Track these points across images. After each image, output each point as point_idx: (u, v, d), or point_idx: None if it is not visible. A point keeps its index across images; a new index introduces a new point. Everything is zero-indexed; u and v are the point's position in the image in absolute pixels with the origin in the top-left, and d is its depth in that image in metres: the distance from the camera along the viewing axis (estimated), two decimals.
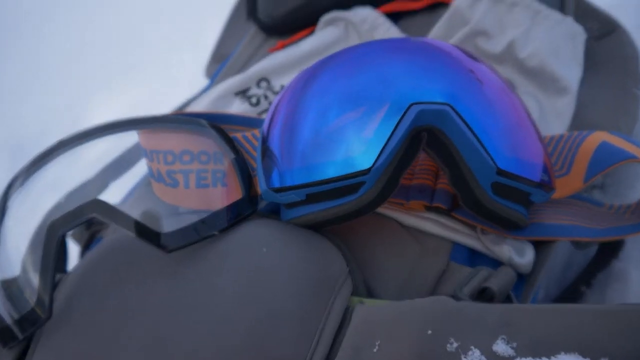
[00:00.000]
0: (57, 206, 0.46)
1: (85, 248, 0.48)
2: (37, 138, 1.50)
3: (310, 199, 0.35)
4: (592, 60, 0.55)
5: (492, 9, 0.53)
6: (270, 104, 0.52)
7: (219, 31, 0.97)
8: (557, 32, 0.51)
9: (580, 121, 0.50)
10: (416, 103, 0.33)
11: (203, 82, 0.86)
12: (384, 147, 0.32)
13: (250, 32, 0.66)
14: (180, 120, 0.42)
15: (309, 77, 0.38)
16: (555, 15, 0.52)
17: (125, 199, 0.51)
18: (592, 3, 0.71)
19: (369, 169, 0.33)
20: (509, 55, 0.51)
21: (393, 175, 0.33)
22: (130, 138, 0.45)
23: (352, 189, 0.34)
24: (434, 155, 0.34)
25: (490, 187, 0.34)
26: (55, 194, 0.46)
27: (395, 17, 0.59)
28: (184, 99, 0.81)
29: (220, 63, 0.76)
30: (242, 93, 0.55)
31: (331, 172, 0.33)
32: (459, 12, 0.53)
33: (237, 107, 0.52)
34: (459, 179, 0.34)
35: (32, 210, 0.44)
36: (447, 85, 0.35)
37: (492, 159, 0.33)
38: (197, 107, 0.54)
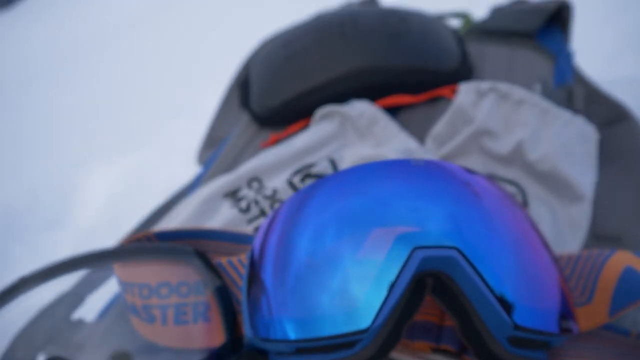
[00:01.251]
0: (22, 334, 0.41)
1: None
2: (27, 210, 1.46)
3: (302, 351, 0.31)
4: (603, 151, 0.52)
5: (497, 107, 0.50)
6: (260, 210, 0.48)
7: (214, 99, 0.94)
8: (568, 133, 0.48)
9: (598, 231, 0.46)
10: (420, 247, 0.29)
11: (195, 153, 0.83)
12: (383, 303, 0.28)
13: (243, 122, 0.63)
14: (162, 250, 0.37)
15: (299, 207, 0.34)
16: (565, 114, 0.49)
17: (98, 321, 0.46)
18: (601, 88, 0.68)
19: (366, 329, 0.28)
20: (517, 156, 0.48)
21: (394, 330, 0.29)
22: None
23: (348, 345, 0.29)
24: (441, 303, 0.30)
25: (507, 340, 0.30)
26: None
27: (394, 109, 0.56)
28: (174, 190, 0.78)
29: (212, 150, 0.73)
30: (232, 195, 0.51)
31: (325, 327, 0.29)
32: (462, 109, 0.50)
33: (226, 213, 0.49)
34: (472, 332, 0.30)
35: None
36: (452, 225, 0.31)
37: (508, 314, 0.29)
38: (183, 212, 0.50)
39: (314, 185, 0.35)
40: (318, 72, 0.57)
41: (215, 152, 0.61)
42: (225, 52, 1.92)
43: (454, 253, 0.29)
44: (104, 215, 1.51)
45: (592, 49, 1.11)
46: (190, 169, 0.87)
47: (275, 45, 0.63)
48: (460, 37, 0.63)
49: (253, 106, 0.61)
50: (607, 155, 0.53)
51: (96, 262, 0.37)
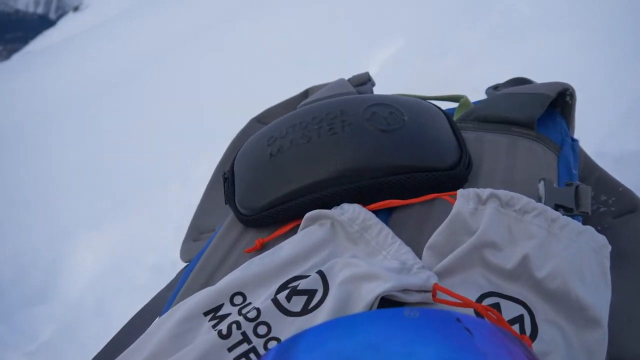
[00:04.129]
0: None
1: None
2: (12, 284, 1.41)
3: None
4: (614, 246, 0.47)
5: (498, 217, 0.46)
6: (242, 335, 0.44)
7: (206, 166, 0.91)
8: (578, 247, 0.44)
9: (614, 353, 0.41)
10: None
11: (187, 222, 0.78)
12: None
13: (227, 221, 0.59)
14: None
15: None
16: (574, 224, 0.45)
17: None
18: (612, 176, 0.65)
19: None
20: (523, 272, 0.44)
21: None
22: None
23: None
24: None
25: None
26: None
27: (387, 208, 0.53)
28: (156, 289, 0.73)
29: (196, 243, 0.69)
30: (213, 312, 0.47)
31: None
32: (461, 218, 0.46)
33: (205, 338, 0.44)
34: None
35: None
36: None
37: None
38: (158, 335, 0.46)
39: (297, 338, 0.31)
40: (305, 172, 0.53)
41: (197, 256, 0.57)
42: (219, 119, 1.91)
43: None
44: (91, 290, 1.46)
45: (592, 122, 1.10)
46: (179, 243, 0.82)
47: (260, 140, 0.59)
48: (457, 129, 0.59)
49: (238, 206, 0.57)
50: (618, 253, 0.49)
51: None
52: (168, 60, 3.62)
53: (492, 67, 1.57)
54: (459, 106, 0.72)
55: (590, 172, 0.69)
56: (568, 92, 0.65)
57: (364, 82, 0.81)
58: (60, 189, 1.78)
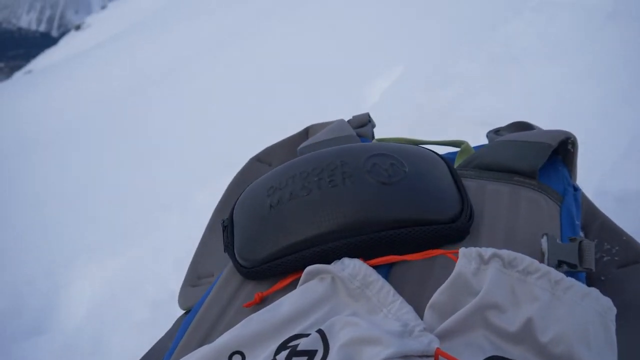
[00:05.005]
0: None
1: None
2: (9, 315, 1.39)
3: None
4: (618, 298, 0.47)
5: (501, 277, 0.45)
6: None
7: (206, 195, 0.90)
8: (582, 311, 0.43)
9: None
10: None
11: (186, 254, 0.77)
12: None
13: (226, 272, 0.58)
14: None
15: None
16: (578, 287, 0.44)
17: None
18: (615, 224, 0.64)
19: None
20: (527, 335, 0.43)
21: None
22: None
23: None
24: None
25: None
26: None
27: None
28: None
29: (194, 288, 0.68)
30: None
31: None
32: (463, 278, 0.46)
33: None
34: None
35: None
36: None
37: None
38: None
39: None
40: (305, 225, 0.53)
41: (196, 306, 0.56)
42: (219, 146, 1.91)
43: None
44: (89, 323, 1.44)
45: (593, 158, 1.09)
46: (179, 275, 0.81)
47: (260, 190, 0.59)
48: (459, 178, 0.59)
49: (237, 256, 0.57)
50: (622, 305, 0.48)
51: None
52: (168, 83, 3.64)
53: (492, 98, 1.58)
54: (460, 152, 0.72)
55: (593, 219, 0.68)
56: (570, 141, 0.64)
57: (364, 123, 0.80)
58: (59, 216, 1.77)
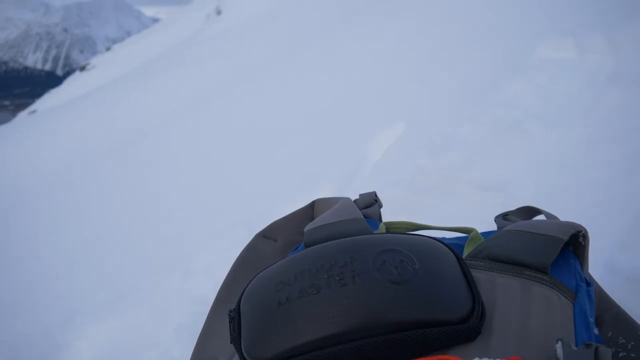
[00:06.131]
0: None
1: None
2: None
3: None
4: None
5: None
6: None
7: (209, 256, 0.89)
8: None
9: None
10: None
11: (187, 320, 0.76)
12: None
13: None
14: None
15: None
16: None
17: None
18: (630, 316, 0.63)
19: None
20: None
21: None
22: None
23: None
24: None
25: None
26: None
27: None
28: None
29: None
30: None
31: None
32: None
33: None
34: None
35: None
36: None
37: None
38: None
39: None
40: (313, 326, 0.52)
41: None
42: (219, 204, 1.91)
43: None
44: None
45: (601, 230, 1.09)
46: (181, 344, 0.80)
47: (268, 284, 0.58)
48: (469, 273, 0.58)
49: (244, 352, 0.56)
50: None
51: None
52: (168, 131, 3.65)
53: (495, 164, 1.58)
54: (469, 240, 0.71)
55: (607, 309, 0.68)
56: (581, 234, 0.64)
57: (370, 204, 0.80)
58: (59, 274, 1.75)
